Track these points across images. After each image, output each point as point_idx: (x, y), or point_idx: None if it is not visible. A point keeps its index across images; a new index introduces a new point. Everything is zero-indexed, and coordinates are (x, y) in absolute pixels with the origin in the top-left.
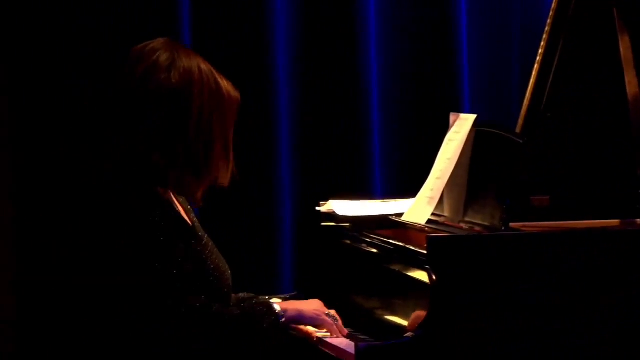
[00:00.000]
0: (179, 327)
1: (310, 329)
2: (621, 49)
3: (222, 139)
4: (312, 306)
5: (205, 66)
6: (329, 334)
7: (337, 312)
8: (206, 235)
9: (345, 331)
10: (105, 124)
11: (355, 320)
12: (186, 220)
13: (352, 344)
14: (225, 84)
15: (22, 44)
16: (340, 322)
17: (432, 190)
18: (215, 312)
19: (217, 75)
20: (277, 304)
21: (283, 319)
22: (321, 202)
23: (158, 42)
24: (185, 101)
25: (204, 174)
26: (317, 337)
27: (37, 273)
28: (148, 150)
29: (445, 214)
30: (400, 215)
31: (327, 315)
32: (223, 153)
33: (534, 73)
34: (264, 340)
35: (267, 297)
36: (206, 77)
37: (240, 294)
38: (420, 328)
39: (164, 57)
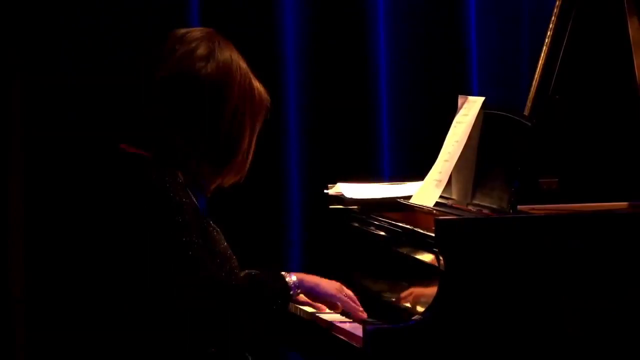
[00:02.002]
0: (188, 298)
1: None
2: (630, 31)
3: (249, 139)
4: (332, 284)
5: (243, 64)
6: (337, 315)
7: None
8: (211, 222)
9: (364, 314)
10: (132, 106)
11: (363, 303)
12: (196, 203)
13: (360, 326)
14: (258, 85)
15: (33, 41)
16: (356, 304)
17: (440, 173)
18: (222, 280)
19: (251, 76)
20: (294, 274)
21: (298, 290)
22: (329, 185)
23: (202, 30)
24: (221, 95)
25: (223, 169)
26: (326, 320)
27: (50, 256)
28: (172, 134)
29: (453, 197)
30: (409, 197)
31: (346, 295)
32: (246, 153)
33: (542, 55)
34: (273, 308)
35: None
36: (243, 76)
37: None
38: (428, 311)
39: (204, 45)
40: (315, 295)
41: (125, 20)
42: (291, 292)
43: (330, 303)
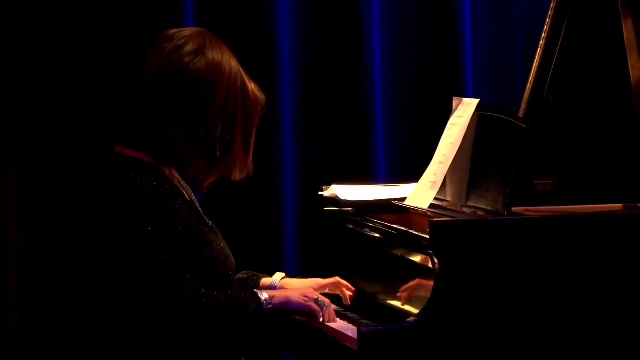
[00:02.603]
0: (166, 314)
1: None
2: (625, 32)
3: (243, 136)
4: (302, 292)
5: (234, 63)
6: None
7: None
8: (210, 221)
9: (335, 319)
10: (122, 104)
11: (358, 305)
12: (193, 202)
13: (355, 328)
14: (252, 85)
15: (32, 41)
16: (331, 308)
17: (434, 174)
18: (202, 295)
19: (244, 75)
20: (266, 291)
21: (269, 306)
22: (324, 187)
23: (192, 29)
24: (211, 90)
25: (219, 165)
26: (320, 321)
27: (46, 257)
28: (164, 130)
29: (448, 199)
30: (403, 199)
31: (317, 301)
32: (243, 150)
33: (537, 57)
34: (248, 326)
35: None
36: (234, 74)
37: (240, 274)
38: (422, 312)
39: (193, 42)
40: (288, 312)
41: (124, 20)
42: (264, 309)
43: (300, 313)
